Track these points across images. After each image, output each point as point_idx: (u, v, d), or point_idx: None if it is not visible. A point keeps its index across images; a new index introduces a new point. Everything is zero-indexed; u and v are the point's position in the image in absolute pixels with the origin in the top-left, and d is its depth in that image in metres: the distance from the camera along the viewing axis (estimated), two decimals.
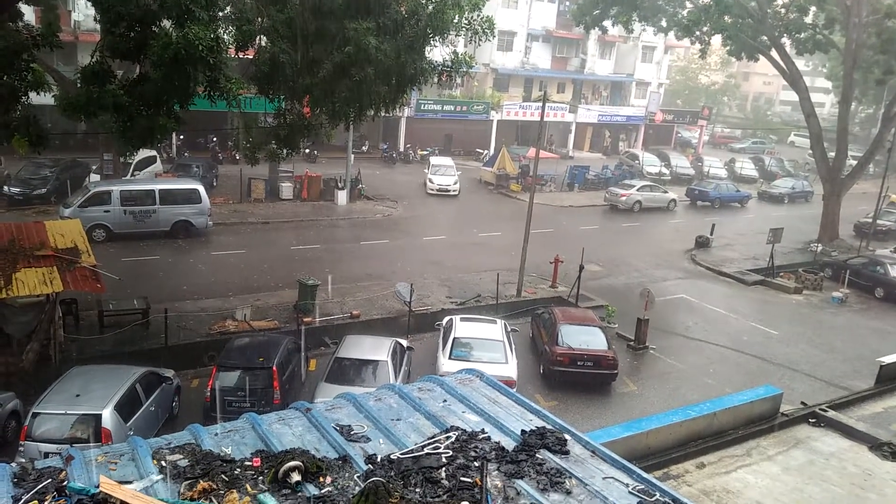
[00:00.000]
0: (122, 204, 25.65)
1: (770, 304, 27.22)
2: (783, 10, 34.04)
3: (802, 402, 10.26)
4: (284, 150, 18.94)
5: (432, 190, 38.70)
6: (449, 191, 38.80)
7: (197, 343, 18.05)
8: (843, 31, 35.14)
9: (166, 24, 13.51)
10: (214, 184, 33.53)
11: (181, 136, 38.35)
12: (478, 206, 37.69)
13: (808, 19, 34.24)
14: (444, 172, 39.85)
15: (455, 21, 16.11)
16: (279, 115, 18.00)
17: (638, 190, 40.40)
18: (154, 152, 32.07)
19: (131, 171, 30.67)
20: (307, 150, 39.36)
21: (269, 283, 23.30)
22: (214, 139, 40.23)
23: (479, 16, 16.48)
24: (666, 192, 42.12)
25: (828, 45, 34.76)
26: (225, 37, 14.42)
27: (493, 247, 29.61)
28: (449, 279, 25.10)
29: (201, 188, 27.48)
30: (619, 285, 26.80)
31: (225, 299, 21.26)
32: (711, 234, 33.64)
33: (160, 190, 26.75)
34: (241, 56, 15.95)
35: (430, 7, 15.84)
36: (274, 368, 14.97)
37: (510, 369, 16.88)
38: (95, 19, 15.36)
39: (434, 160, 41.52)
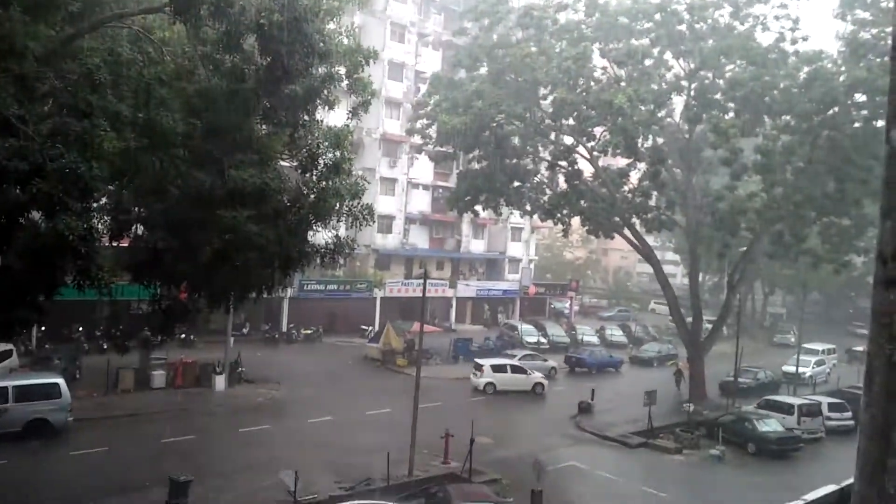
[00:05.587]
0: None
1: (655, 466, 27.81)
2: (630, 195, 38.22)
3: None
4: (159, 337, 18.24)
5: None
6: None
7: None
8: (683, 212, 39.75)
9: (35, 214, 13.21)
10: (78, 376, 31.09)
11: (42, 328, 35.80)
12: (364, 383, 37.01)
13: (652, 202, 38.57)
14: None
15: (336, 208, 16.89)
16: (154, 302, 17.52)
17: (520, 359, 41.47)
18: (11, 346, 29.64)
19: None
20: (183, 336, 37.77)
21: (135, 481, 21.16)
22: (81, 328, 37.92)
23: (358, 203, 17.40)
24: (546, 360, 43.44)
25: (671, 223, 38.97)
26: (99, 226, 14.26)
27: (382, 424, 28.79)
28: (336, 462, 23.93)
29: (62, 382, 25.38)
30: (511, 457, 26.46)
31: None
32: (592, 399, 34.67)
33: (14, 387, 24.51)
34: (115, 245, 15.73)
35: (312, 196, 16.58)
36: None
37: None
38: None
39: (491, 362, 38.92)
